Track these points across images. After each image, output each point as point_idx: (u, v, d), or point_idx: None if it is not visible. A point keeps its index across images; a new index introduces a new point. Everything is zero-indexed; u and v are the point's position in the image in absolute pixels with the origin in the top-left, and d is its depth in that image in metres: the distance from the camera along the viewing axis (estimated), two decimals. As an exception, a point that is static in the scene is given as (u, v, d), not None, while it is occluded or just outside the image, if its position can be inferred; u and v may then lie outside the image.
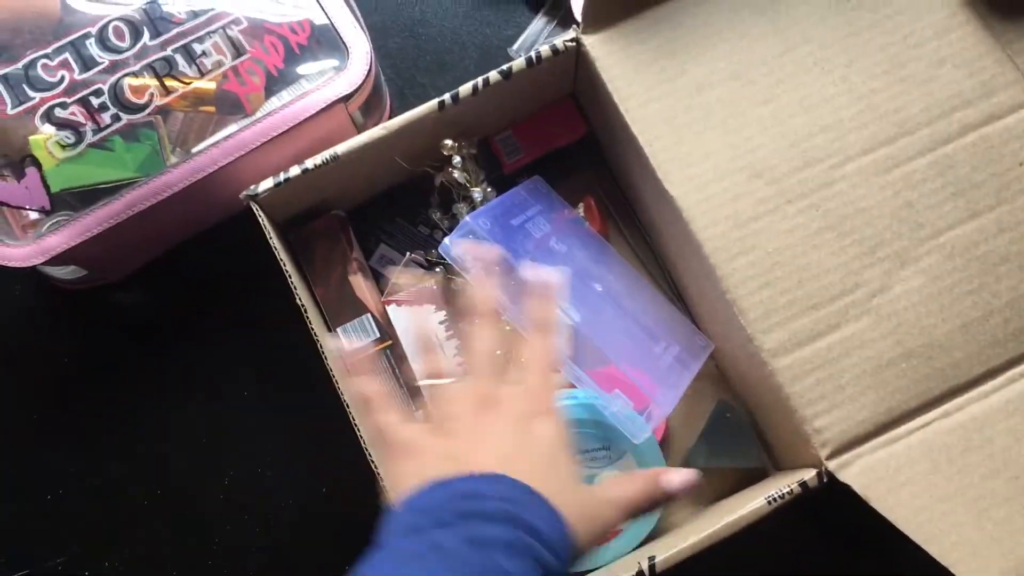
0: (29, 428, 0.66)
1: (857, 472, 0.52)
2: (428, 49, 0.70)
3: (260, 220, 0.56)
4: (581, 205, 0.65)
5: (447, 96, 0.57)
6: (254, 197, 0.56)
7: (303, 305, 0.55)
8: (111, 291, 0.66)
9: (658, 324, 0.60)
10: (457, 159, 0.60)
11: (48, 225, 0.56)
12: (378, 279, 0.64)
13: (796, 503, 0.52)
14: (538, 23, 0.71)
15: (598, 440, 0.57)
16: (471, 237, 0.55)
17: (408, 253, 0.62)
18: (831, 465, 0.52)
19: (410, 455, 0.44)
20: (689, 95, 0.57)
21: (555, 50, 0.58)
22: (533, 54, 0.58)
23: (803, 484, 0.52)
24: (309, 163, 0.57)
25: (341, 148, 0.57)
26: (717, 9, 0.58)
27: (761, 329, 0.54)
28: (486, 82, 0.58)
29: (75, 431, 0.65)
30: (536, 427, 0.44)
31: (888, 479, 0.51)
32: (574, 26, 0.58)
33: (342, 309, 0.60)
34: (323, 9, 0.60)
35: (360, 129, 0.64)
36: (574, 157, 0.67)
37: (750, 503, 0.52)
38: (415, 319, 0.60)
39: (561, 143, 0.66)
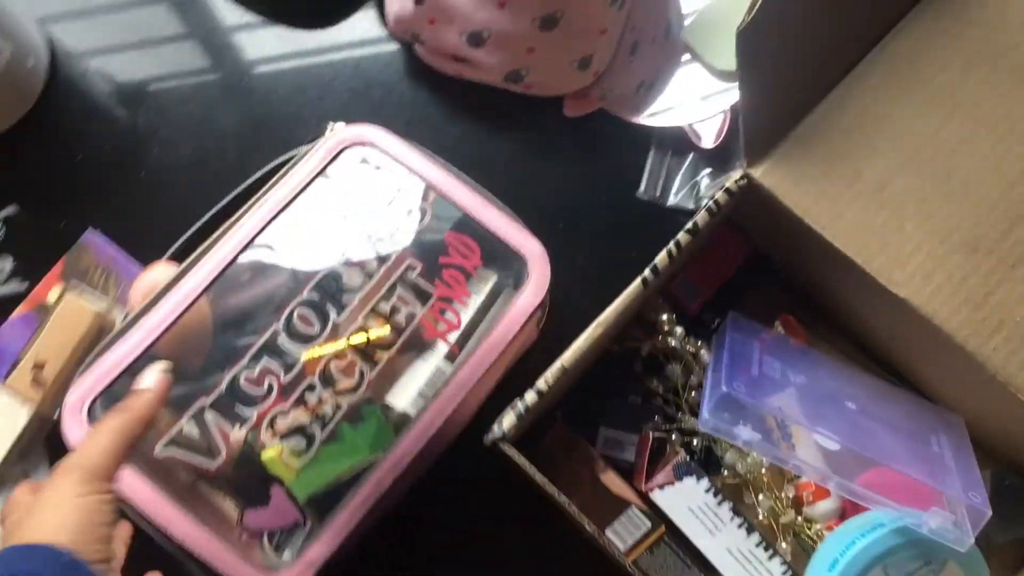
0: None
1: None
2: (559, 215, 0.69)
3: (516, 460, 0.54)
4: (778, 324, 0.64)
5: (648, 272, 0.56)
6: (502, 439, 0.54)
7: (598, 533, 0.52)
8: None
9: (916, 420, 0.59)
10: (679, 330, 0.58)
11: (302, 537, 0.53)
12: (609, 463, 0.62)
13: None
14: (654, 159, 0.70)
15: (919, 559, 0.55)
16: (729, 405, 0.54)
17: (650, 433, 0.60)
18: None
19: None
20: (873, 194, 0.57)
21: (729, 192, 0.58)
22: (711, 203, 0.57)
23: None
24: (542, 385, 0.55)
25: (567, 359, 0.55)
26: (864, 102, 0.58)
27: (1046, 400, 0.53)
28: (678, 245, 0.57)
29: None
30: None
31: None
32: (739, 163, 0.58)
33: (603, 511, 0.58)
34: (484, 226, 0.58)
35: (536, 322, 0.62)
36: (742, 278, 0.66)
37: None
38: (682, 496, 0.58)
39: (731, 272, 0.65)
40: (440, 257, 0.57)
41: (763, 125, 0.57)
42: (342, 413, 0.54)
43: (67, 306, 0.64)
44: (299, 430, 0.53)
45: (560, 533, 0.62)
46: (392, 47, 0.76)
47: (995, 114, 0.58)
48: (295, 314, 0.55)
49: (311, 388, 0.54)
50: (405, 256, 0.57)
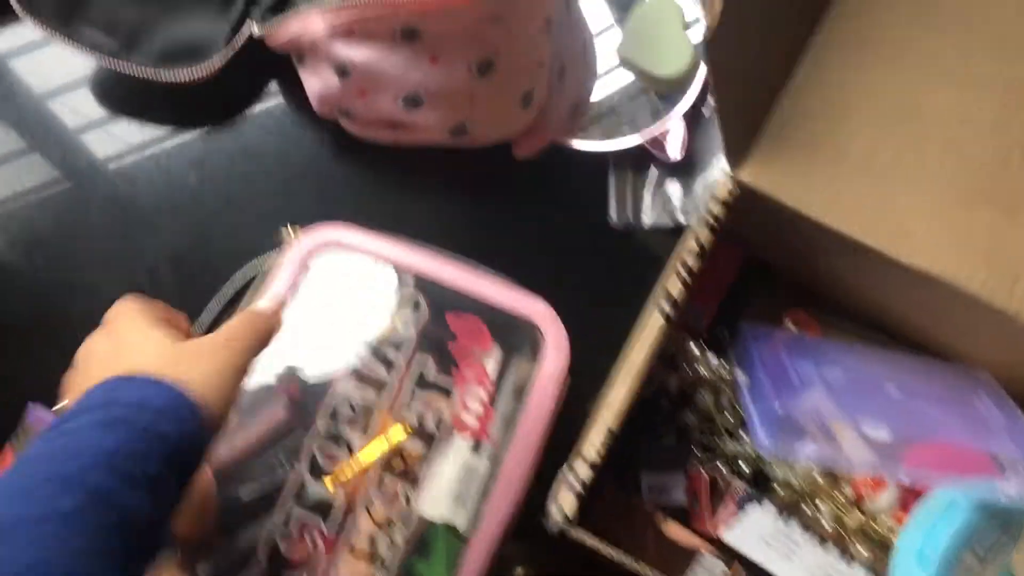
0: None
1: None
2: (538, 263, 0.65)
3: (590, 543, 0.49)
4: (788, 321, 0.62)
5: (665, 305, 0.53)
6: (569, 523, 0.49)
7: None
8: None
9: (953, 385, 0.58)
10: (711, 356, 0.55)
11: None
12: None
13: None
14: (617, 182, 0.68)
15: (996, 529, 0.54)
16: (786, 424, 0.51)
17: (701, 471, 0.57)
18: None
19: None
20: (862, 169, 0.56)
21: (725, 203, 0.55)
22: (709, 217, 0.55)
23: None
24: (594, 456, 0.50)
25: (612, 422, 0.51)
26: (825, 79, 0.57)
27: (1085, 338, 0.52)
28: (689, 270, 0.54)
29: None
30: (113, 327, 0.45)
31: None
32: (725, 171, 0.55)
33: (674, 564, 0.55)
34: (483, 299, 0.54)
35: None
36: (740, 287, 0.64)
37: None
38: (751, 527, 0.55)
39: (730, 282, 0.63)
40: (448, 343, 0.53)
41: (741, 126, 0.55)
42: (403, 551, 0.48)
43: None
44: None
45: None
46: (313, 137, 0.70)
47: (952, 64, 0.57)
48: (316, 452, 0.49)
49: (358, 530, 0.48)
50: (413, 354, 0.52)
